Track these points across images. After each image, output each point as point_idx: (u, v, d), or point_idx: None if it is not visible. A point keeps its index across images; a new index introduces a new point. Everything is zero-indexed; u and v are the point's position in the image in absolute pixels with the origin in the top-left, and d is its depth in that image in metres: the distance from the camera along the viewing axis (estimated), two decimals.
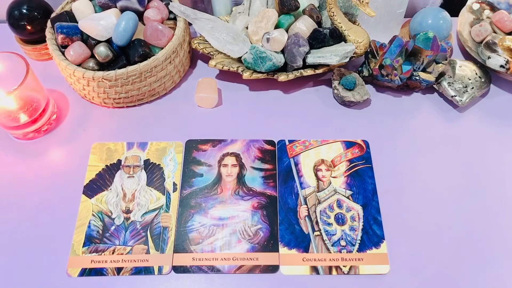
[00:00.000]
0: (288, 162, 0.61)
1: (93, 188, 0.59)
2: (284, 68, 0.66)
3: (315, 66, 0.66)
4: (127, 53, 0.63)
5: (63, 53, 0.63)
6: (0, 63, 0.61)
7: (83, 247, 0.54)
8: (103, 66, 0.63)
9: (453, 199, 0.58)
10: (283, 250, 0.54)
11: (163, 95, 0.68)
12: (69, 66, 0.61)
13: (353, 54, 0.64)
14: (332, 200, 0.58)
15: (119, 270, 0.53)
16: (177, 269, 0.53)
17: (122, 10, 0.65)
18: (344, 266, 0.53)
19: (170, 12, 0.68)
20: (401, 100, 0.68)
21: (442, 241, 0.55)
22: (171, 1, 0.68)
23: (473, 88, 0.65)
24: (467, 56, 0.72)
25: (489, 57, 0.66)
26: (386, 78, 0.65)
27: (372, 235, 0.55)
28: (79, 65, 0.62)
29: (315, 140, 0.63)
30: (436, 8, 0.70)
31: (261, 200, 0.58)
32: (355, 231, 0.55)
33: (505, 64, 0.64)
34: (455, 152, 0.62)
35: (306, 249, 0.54)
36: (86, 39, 0.64)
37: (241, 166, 0.61)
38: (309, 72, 0.65)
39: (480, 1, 0.74)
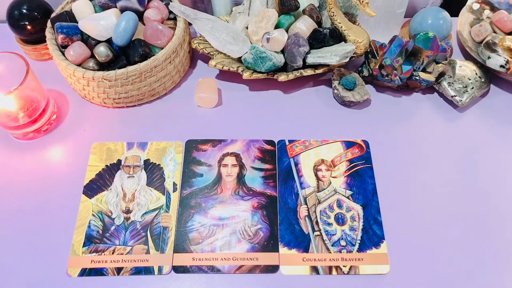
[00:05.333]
0: (288, 162, 0.61)
1: (93, 188, 0.59)
2: (284, 68, 0.66)
3: (315, 66, 0.66)
4: (127, 53, 0.63)
5: (63, 53, 0.63)
6: (0, 63, 0.60)
7: (83, 247, 0.54)
8: (103, 66, 0.63)
9: (453, 199, 0.58)
10: (283, 250, 0.54)
11: (163, 95, 0.68)
12: (69, 66, 0.61)
13: (353, 54, 0.64)
14: (332, 200, 0.58)
15: (119, 270, 0.53)
16: (177, 269, 0.53)
17: (122, 10, 0.65)
18: (344, 266, 0.53)
19: (170, 12, 0.68)
20: (401, 100, 0.68)
21: (442, 241, 0.55)
22: (171, 1, 0.68)
23: (473, 88, 0.65)
24: (467, 56, 0.72)
25: (489, 57, 0.66)
26: (386, 78, 0.65)
27: (372, 235, 0.55)
28: (79, 65, 0.62)
29: (315, 140, 0.63)
30: (436, 8, 0.70)
31: (261, 200, 0.58)
32: (355, 231, 0.55)
33: (505, 64, 0.64)
34: (455, 152, 0.62)
35: (306, 249, 0.54)
36: (86, 39, 0.64)
37: (241, 166, 0.61)
38: (309, 72, 0.65)
39: (480, 1, 0.74)
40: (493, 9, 0.73)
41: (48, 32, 0.64)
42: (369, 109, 0.67)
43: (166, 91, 0.68)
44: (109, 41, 0.63)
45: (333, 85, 0.66)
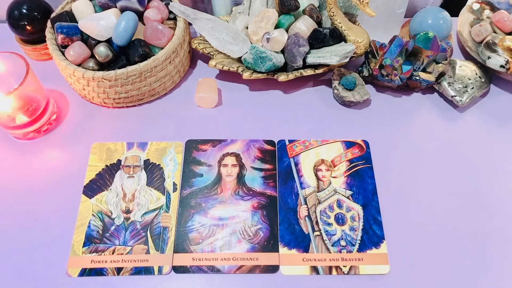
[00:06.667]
0: (288, 162, 0.61)
1: (93, 188, 0.59)
2: (284, 68, 0.66)
3: (315, 66, 0.66)
4: (127, 53, 0.63)
5: (63, 53, 0.63)
6: (0, 63, 0.61)
7: (83, 247, 0.54)
8: (103, 66, 0.63)
9: (453, 199, 0.58)
10: (283, 250, 0.54)
11: (163, 95, 0.68)
12: (69, 66, 0.61)
13: (353, 54, 0.64)
14: (332, 200, 0.58)
15: (119, 270, 0.53)
16: (177, 269, 0.53)
17: (122, 10, 0.65)
18: (344, 266, 0.53)
19: (170, 12, 0.68)
20: (401, 100, 0.68)
21: (442, 241, 0.55)
22: (171, 1, 0.68)
23: (473, 88, 0.65)
24: (467, 56, 0.72)
25: (489, 57, 0.66)
26: (386, 78, 0.65)
27: (372, 235, 0.55)
28: (79, 65, 0.62)
29: (315, 140, 0.63)
30: (436, 8, 0.70)
31: (261, 200, 0.58)
32: (355, 231, 0.55)
33: (505, 64, 0.64)
34: (455, 152, 0.62)
35: (306, 249, 0.54)
36: (86, 39, 0.64)
37: (241, 166, 0.61)
38: (309, 72, 0.65)
39: (480, 1, 0.74)
40: (493, 9, 0.73)
41: (48, 32, 0.64)
42: (369, 109, 0.67)
43: (166, 91, 0.68)
44: (109, 41, 0.63)
45: (333, 85, 0.66)
